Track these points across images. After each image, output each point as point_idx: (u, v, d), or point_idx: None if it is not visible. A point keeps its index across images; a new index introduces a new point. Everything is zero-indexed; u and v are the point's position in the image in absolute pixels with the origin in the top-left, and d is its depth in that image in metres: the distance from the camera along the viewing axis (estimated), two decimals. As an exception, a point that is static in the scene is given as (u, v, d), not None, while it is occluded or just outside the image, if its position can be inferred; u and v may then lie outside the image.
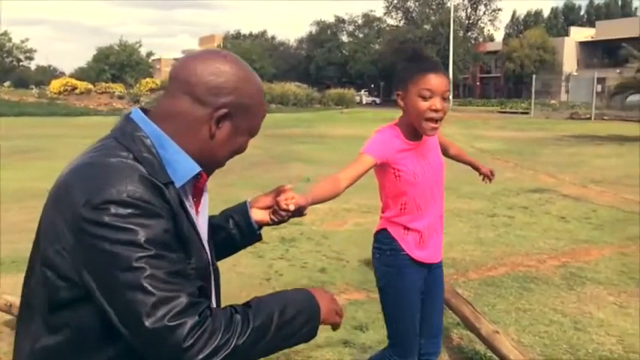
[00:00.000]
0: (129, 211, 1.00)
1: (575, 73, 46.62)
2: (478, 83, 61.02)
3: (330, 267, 5.08)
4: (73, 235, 1.02)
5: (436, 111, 2.13)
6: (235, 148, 1.21)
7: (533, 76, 36.37)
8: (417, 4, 56.09)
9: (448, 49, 44.86)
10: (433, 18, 54.26)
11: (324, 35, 63.76)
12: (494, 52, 55.83)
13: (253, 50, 65.55)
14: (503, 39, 59.83)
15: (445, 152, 2.55)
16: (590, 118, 29.03)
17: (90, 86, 38.37)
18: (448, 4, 51.32)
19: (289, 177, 9.57)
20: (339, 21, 64.39)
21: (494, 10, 54.88)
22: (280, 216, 1.44)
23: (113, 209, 0.99)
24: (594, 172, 10.89)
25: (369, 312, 4.04)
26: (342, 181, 2.06)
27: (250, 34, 78.62)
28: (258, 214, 1.47)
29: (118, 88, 38.84)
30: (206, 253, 1.21)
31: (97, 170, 1.06)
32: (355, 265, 5.17)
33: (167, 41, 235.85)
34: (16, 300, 3.46)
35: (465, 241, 5.86)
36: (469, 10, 55.32)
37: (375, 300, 4.28)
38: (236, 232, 1.45)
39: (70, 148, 14.94)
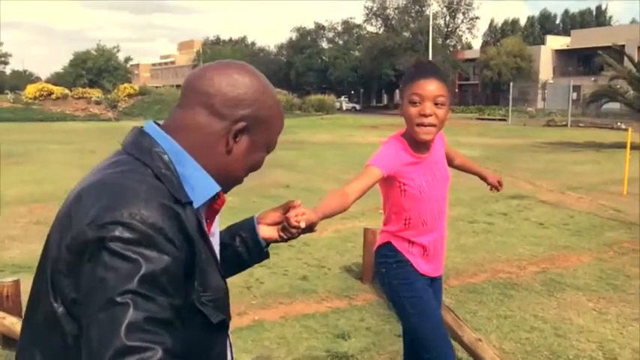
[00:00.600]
0: (135, 237, 0.90)
1: (551, 81, 47.37)
2: (457, 90, 61.60)
3: (312, 274, 5.04)
4: (73, 254, 0.93)
5: (425, 116, 2.09)
6: (252, 164, 1.14)
7: (511, 84, 36.88)
8: (396, 11, 56.55)
9: (427, 57, 45.22)
10: (412, 25, 54.75)
11: (304, 41, 63.90)
12: (473, 60, 56.48)
13: (233, 56, 65.40)
14: (481, 47, 60.54)
15: (450, 163, 2.51)
16: (566, 125, 29.49)
17: (66, 91, 37.87)
18: (427, 12, 51.84)
19: (269, 183, 9.51)
20: (319, 27, 64.62)
21: (472, 19, 55.62)
22: (290, 233, 1.36)
23: (118, 232, 0.90)
24: (571, 179, 11.04)
25: (350, 320, 4.01)
26: (349, 194, 2.00)
27: (230, 40, 78.52)
28: (266, 231, 1.38)
29: (95, 94, 38.38)
30: (223, 281, 1.12)
31: (112, 189, 0.96)
32: (337, 272, 5.14)
33: (145, 46, 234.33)
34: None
35: (446, 247, 5.87)
36: (447, 18, 55.96)
37: (356, 307, 4.26)
38: (243, 249, 1.37)
39: (49, 153, 14.72)
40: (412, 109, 2.11)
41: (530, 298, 4.50)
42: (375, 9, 56.86)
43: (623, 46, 21.37)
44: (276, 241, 1.40)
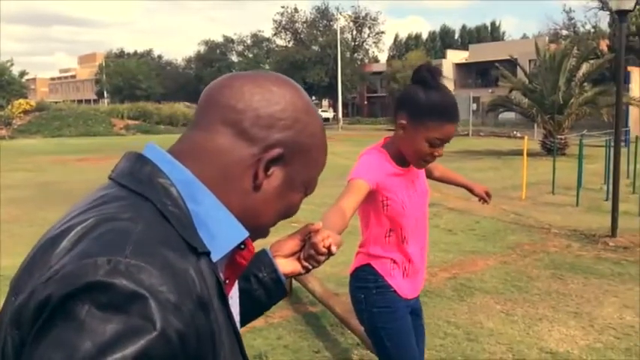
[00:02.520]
0: (113, 298, 0.60)
1: (453, 93, 49.78)
2: (366, 102, 63.23)
3: (226, 294, 4.89)
4: (22, 326, 0.63)
5: (436, 157, 2.00)
6: (287, 207, 0.85)
7: (416, 96, 38.31)
8: (304, 25, 57.38)
9: (336, 70, 46.18)
10: (321, 39, 55.70)
11: (213, 55, 63.20)
12: (380, 73, 58.28)
13: (138, 69, 63.41)
14: (387, 60, 62.64)
15: (429, 175, 2.42)
16: (468, 135, 31.04)
17: (-47, 108, 34.97)
18: (335, 27, 52.99)
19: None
20: (228, 41, 64.24)
21: (377, 33, 57.53)
22: (317, 262, 1.12)
23: (87, 288, 0.60)
24: (475, 186, 11.57)
25: (268, 339, 3.91)
26: (347, 211, 1.82)
27: (135, 53, 76.04)
28: (286, 265, 1.11)
29: (-13, 110, 35.71)
30: None
31: (94, 232, 0.67)
32: (252, 290, 5.02)
33: (43, 60, 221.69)
34: None
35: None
36: (354, 32, 57.45)
37: (273, 325, 4.17)
38: (261, 292, 1.09)
39: None
40: (427, 148, 1.96)
41: (442, 304, 4.60)
42: (283, 23, 57.38)
43: (517, 59, 22.88)
44: (299, 274, 1.15)
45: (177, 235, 0.70)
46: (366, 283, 2.12)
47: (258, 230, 0.84)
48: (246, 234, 0.79)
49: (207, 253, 0.73)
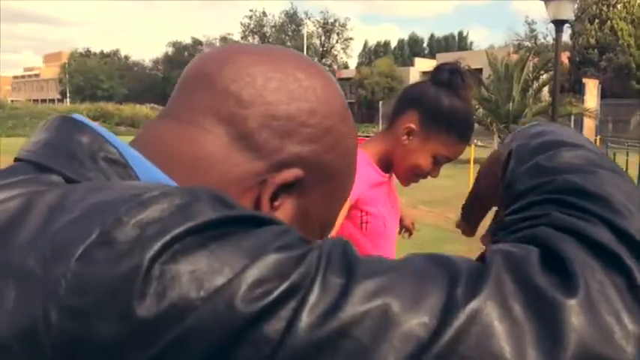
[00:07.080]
0: (212, 233, 0.38)
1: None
2: (334, 108, 63.41)
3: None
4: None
5: (427, 177, 1.63)
6: None
7: (380, 103, 38.65)
8: (273, 29, 57.35)
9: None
10: (289, 44, 55.69)
11: (181, 56, 62.52)
12: (349, 79, 58.53)
13: (100, 69, 62.38)
14: (356, 67, 62.97)
15: None
16: (431, 142, 31.40)
17: None
18: (303, 32, 53.08)
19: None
20: (196, 43, 63.65)
21: (346, 39, 57.85)
22: None
23: (166, 238, 0.37)
24: (426, 194, 11.52)
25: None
26: None
27: (101, 53, 74.79)
28: None
29: (-60, 108, 34.53)
30: None
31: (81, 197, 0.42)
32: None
33: (9, 57, 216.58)
34: None
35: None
36: (323, 38, 57.66)
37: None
38: None
39: None
40: (429, 165, 1.56)
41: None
42: (252, 26, 57.25)
43: (481, 69, 23.16)
44: None
45: None
46: None
47: None
48: None
49: None
